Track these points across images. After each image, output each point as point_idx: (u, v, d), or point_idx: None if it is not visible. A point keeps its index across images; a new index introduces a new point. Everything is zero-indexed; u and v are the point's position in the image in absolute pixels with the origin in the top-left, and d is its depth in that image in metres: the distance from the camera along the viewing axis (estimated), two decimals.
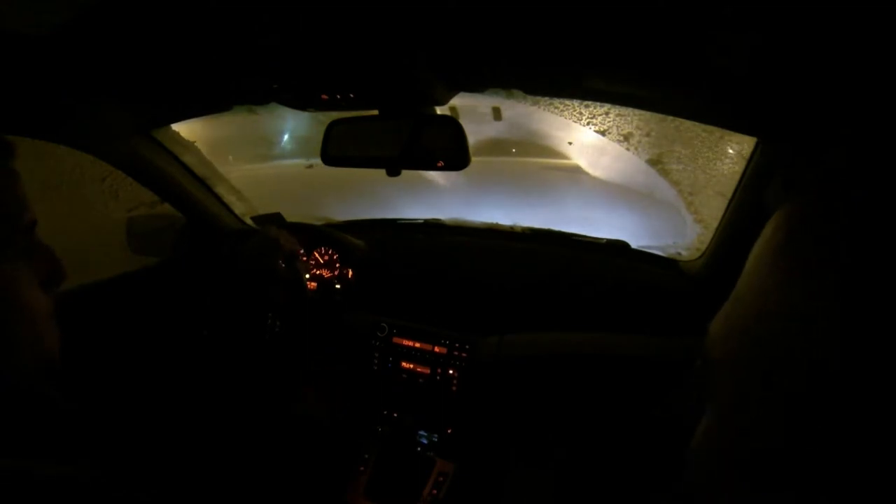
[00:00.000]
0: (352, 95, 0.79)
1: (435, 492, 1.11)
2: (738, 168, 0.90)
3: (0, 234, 0.42)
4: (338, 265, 1.34)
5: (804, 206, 0.27)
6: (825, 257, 0.25)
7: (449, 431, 1.18)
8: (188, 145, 1.28)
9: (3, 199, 0.43)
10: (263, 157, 4.69)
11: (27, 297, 0.44)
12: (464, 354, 1.16)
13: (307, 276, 1.37)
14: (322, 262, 1.36)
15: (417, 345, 1.20)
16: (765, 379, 0.26)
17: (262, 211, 1.49)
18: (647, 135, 1.63)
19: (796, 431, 0.25)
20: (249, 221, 1.46)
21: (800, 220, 0.27)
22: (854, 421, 0.23)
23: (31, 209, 0.45)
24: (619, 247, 1.27)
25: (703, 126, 1.19)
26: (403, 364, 1.21)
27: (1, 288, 0.42)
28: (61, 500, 0.35)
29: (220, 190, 1.37)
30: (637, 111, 1.35)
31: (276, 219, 1.47)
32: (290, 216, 1.50)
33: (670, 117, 1.28)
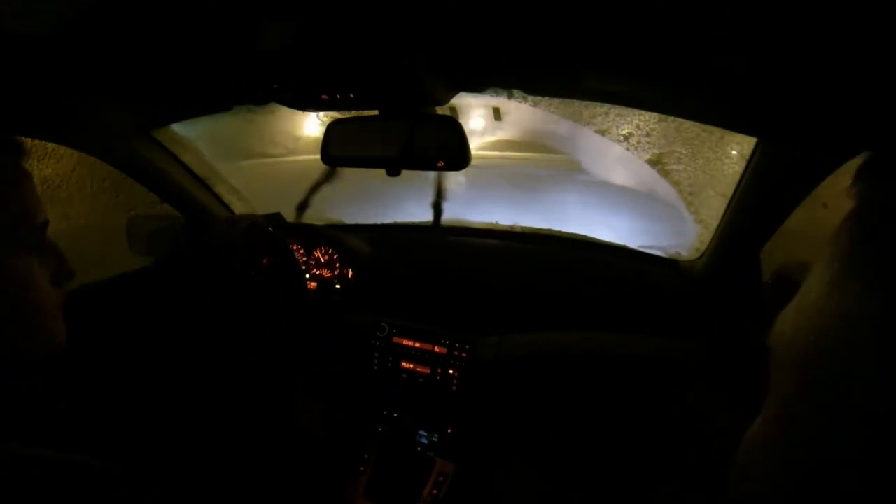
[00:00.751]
0: (352, 95, 0.79)
1: (435, 492, 1.11)
2: (738, 168, 0.90)
3: (16, 231, 0.45)
4: (338, 265, 1.34)
5: (882, 205, 0.25)
6: None
7: (449, 431, 1.18)
8: (188, 145, 1.28)
9: (19, 198, 0.46)
10: None
11: (40, 292, 0.47)
12: (464, 354, 1.16)
13: (307, 276, 1.37)
14: (322, 262, 1.36)
15: (417, 345, 1.20)
16: (831, 384, 0.24)
17: (261, 211, 1.49)
18: (647, 135, 1.63)
19: (863, 445, 0.23)
20: None
21: (879, 219, 0.25)
22: None
23: (42, 209, 0.48)
24: (618, 247, 1.27)
25: (703, 126, 1.19)
26: (403, 364, 1.21)
27: (16, 282, 0.45)
28: (68, 483, 0.36)
29: (220, 190, 1.38)
30: (637, 111, 1.35)
31: (275, 219, 1.47)
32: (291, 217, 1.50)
33: (670, 117, 1.28)
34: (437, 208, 1.54)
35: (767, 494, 0.27)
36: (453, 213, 1.49)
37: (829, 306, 0.26)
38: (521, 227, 1.39)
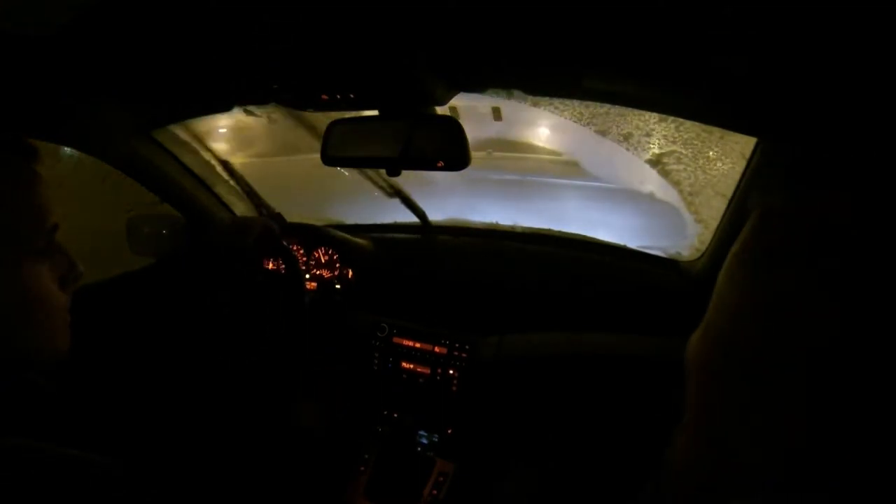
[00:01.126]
0: (352, 95, 0.79)
1: (435, 492, 1.11)
2: (739, 168, 0.89)
3: (27, 234, 0.46)
4: (338, 265, 1.34)
5: (763, 216, 0.27)
6: (774, 266, 0.25)
7: (449, 431, 1.18)
8: (188, 145, 1.28)
9: (31, 202, 0.46)
10: None
11: (48, 295, 0.47)
12: (464, 354, 1.16)
13: (307, 276, 1.37)
14: (322, 262, 1.36)
15: (417, 345, 1.20)
16: (726, 383, 0.26)
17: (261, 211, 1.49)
18: (647, 135, 1.63)
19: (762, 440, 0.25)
20: None
21: (758, 229, 0.27)
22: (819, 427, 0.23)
23: (52, 213, 0.48)
24: (618, 247, 1.27)
25: (703, 126, 1.19)
26: (403, 364, 1.21)
27: (26, 285, 0.45)
28: (70, 479, 0.37)
29: (220, 190, 1.38)
30: (637, 111, 1.35)
31: (275, 219, 1.47)
32: (292, 217, 1.50)
33: (670, 117, 1.28)
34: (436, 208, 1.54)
35: (681, 491, 0.29)
36: (453, 213, 1.49)
37: (717, 317, 0.29)
38: (521, 228, 1.39)
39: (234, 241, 0.99)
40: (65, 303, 0.50)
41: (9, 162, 0.46)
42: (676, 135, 1.44)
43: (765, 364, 0.25)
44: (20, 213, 0.45)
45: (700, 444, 0.28)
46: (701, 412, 0.29)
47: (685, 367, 0.31)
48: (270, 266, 1.37)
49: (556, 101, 1.56)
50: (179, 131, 1.24)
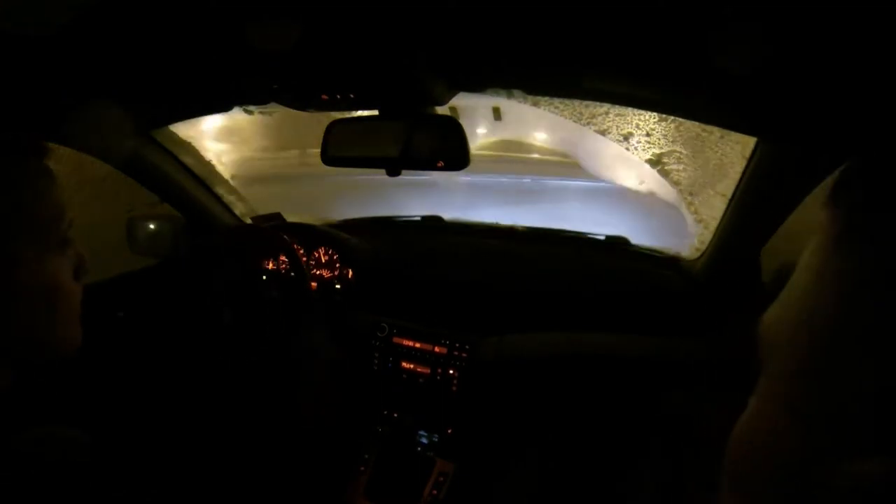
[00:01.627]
0: (352, 95, 0.79)
1: (435, 492, 1.11)
2: (738, 168, 0.90)
3: (47, 231, 0.47)
4: (338, 265, 1.34)
5: (859, 204, 0.27)
6: (878, 259, 0.24)
7: (449, 431, 1.18)
8: (187, 145, 1.28)
9: (48, 200, 0.48)
10: None
11: (66, 287, 0.49)
12: (464, 354, 1.16)
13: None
14: (322, 262, 1.36)
15: (418, 345, 1.20)
16: (817, 375, 0.26)
17: (261, 211, 1.49)
18: (647, 135, 1.62)
19: (844, 431, 0.25)
20: (249, 221, 1.46)
21: (854, 218, 0.27)
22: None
23: (67, 209, 0.50)
24: (619, 247, 1.27)
25: (703, 126, 1.19)
26: (403, 364, 1.21)
27: (47, 279, 0.47)
28: (69, 481, 0.37)
29: (220, 190, 1.38)
30: (637, 111, 1.35)
31: (275, 219, 1.47)
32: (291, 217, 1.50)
33: (670, 117, 1.28)
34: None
35: (773, 477, 0.28)
36: (453, 213, 1.49)
37: (817, 288, 0.28)
38: (521, 228, 1.39)
39: (232, 243, 0.99)
40: (79, 295, 0.51)
41: (27, 161, 0.47)
42: (676, 135, 1.44)
43: (819, 355, 0.26)
44: (41, 211, 0.47)
45: (771, 423, 0.29)
46: (770, 396, 0.29)
47: (759, 342, 0.31)
48: (270, 266, 1.37)
49: (556, 101, 1.56)
50: (179, 131, 1.24)
